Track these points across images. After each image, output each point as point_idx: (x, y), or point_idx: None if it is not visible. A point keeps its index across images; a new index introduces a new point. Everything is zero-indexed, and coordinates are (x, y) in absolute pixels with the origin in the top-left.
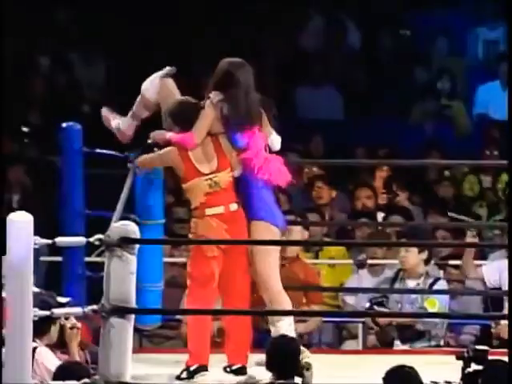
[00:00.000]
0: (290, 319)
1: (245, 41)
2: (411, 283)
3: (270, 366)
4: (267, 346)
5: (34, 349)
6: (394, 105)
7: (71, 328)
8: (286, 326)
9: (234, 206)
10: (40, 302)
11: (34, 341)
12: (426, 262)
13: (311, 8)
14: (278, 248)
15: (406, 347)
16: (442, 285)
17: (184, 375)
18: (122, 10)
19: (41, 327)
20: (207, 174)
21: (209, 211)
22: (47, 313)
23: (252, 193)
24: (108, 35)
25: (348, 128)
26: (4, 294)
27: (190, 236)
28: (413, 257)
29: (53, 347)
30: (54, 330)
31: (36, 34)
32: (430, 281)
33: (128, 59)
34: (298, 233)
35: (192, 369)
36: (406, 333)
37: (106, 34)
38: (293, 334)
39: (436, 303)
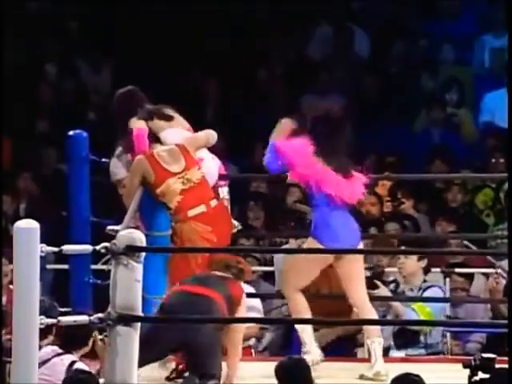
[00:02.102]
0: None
1: (254, 49)
2: (408, 290)
3: None
4: (276, 368)
5: (72, 363)
6: (400, 112)
7: (101, 340)
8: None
9: (214, 202)
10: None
11: (70, 353)
12: (426, 270)
13: (320, 16)
14: (318, 263)
15: (401, 354)
16: (435, 292)
17: (174, 375)
18: (129, 17)
19: (80, 340)
20: (178, 173)
21: (191, 212)
22: (54, 320)
23: (315, 209)
24: (114, 42)
25: (355, 136)
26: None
27: (176, 240)
28: (411, 264)
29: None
30: (90, 342)
31: (43, 42)
32: (424, 287)
33: (134, 66)
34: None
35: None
36: (401, 339)
37: (112, 41)
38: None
39: (426, 310)
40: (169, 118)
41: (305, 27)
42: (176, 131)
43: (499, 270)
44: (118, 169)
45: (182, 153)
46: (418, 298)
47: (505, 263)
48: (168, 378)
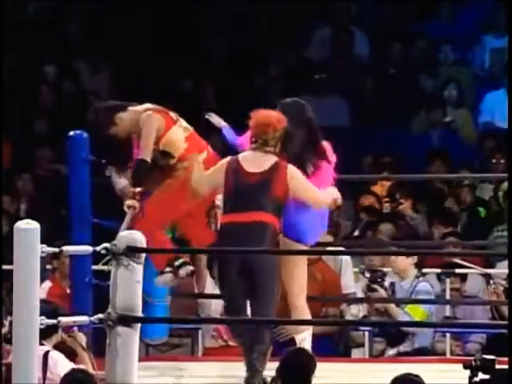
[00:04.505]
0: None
1: (252, 51)
2: (404, 286)
3: (281, 375)
4: (283, 355)
5: (47, 353)
6: (400, 114)
7: (69, 336)
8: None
9: (209, 149)
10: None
11: (42, 344)
12: (418, 265)
13: (319, 18)
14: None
15: (394, 351)
16: (423, 286)
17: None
18: (128, 19)
19: (48, 329)
20: (177, 120)
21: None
22: (54, 321)
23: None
24: (114, 44)
25: (355, 137)
26: None
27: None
28: (401, 260)
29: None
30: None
31: (42, 43)
32: (415, 283)
33: (134, 68)
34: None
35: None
36: (392, 339)
37: (111, 43)
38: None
39: (419, 309)
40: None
41: (304, 29)
42: None
43: (496, 280)
44: (117, 178)
45: None
46: (415, 300)
47: (504, 264)
48: None
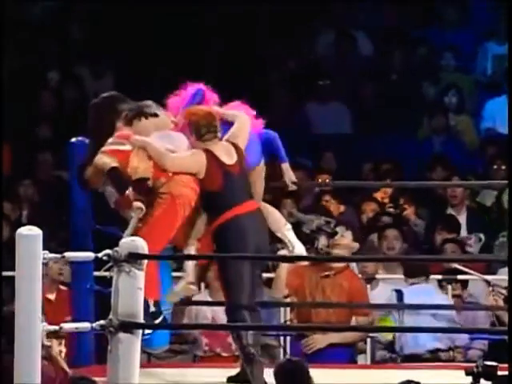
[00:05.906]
0: None
1: (255, 55)
2: None
3: None
4: (276, 370)
5: None
6: (402, 120)
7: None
8: None
9: None
10: None
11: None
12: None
13: (321, 21)
14: None
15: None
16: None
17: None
18: (130, 24)
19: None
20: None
21: None
22: (56, 327)
23: None
24: (116, 49)
25: (356, 143)
26: None
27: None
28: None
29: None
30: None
31: (45, 49)
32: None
33: (136, 73)
34: (346, 244)
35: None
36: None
37: (114, 48)
38: None
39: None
40: (155, 116)
41: (307, 33)
42: (163, 136)
43: (495, 288)
44: (110, 192)
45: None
46: (417, 305)
47: (505, 270)
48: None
